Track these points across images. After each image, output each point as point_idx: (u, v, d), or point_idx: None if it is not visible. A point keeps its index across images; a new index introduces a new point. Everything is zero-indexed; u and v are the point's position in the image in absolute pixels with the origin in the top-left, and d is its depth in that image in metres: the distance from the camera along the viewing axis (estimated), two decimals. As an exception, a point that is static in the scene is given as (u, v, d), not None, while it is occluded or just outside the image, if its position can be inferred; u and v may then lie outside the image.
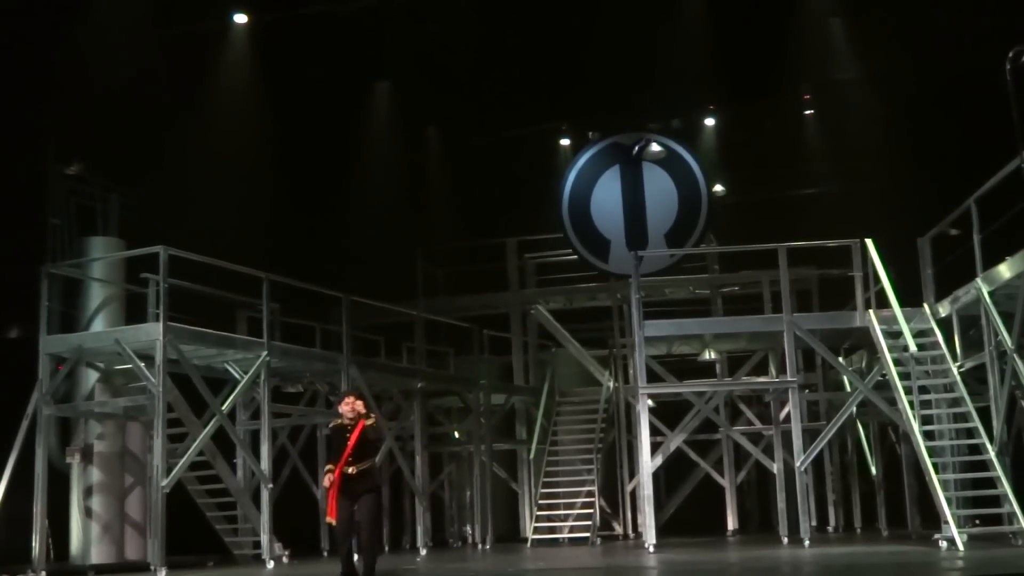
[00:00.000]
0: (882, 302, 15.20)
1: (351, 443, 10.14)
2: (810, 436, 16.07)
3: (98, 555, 14.95)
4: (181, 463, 13.83)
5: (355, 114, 22.59)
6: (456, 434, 21.56)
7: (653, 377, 15.84)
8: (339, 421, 10.38)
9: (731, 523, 19.90)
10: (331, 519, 10.17)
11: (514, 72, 20.97)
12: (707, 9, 21.07)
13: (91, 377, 15.22)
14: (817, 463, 18.20)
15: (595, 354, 21.21)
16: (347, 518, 10.11)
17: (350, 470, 10.12)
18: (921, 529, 16.12)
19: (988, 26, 15.76)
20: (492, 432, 20.20)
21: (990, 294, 13.23)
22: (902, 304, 14.96)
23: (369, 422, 10.33)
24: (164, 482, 13.32)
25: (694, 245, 20.45)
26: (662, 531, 16.48)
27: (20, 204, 15.01)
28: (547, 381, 20.79)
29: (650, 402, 15.77)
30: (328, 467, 10.28)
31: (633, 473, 19.13)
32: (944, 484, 13.14)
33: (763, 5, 20.53)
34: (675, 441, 17.22)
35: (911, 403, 13.86)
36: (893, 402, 14.44)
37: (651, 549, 14.67)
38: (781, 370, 16.57)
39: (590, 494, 19.07)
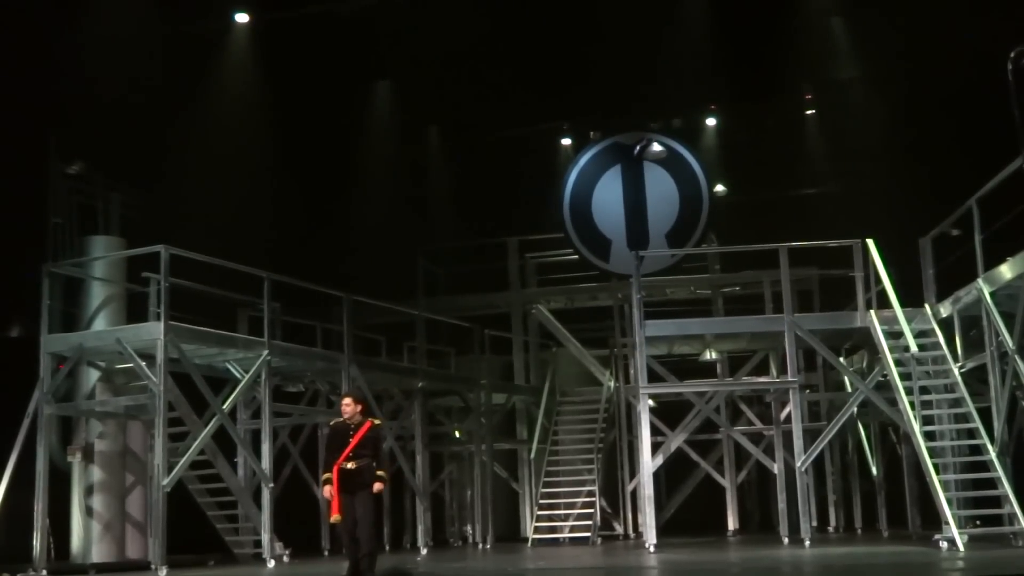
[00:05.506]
0: (883, 302, 15.19)
1: (354, 440, 10.27)
2: (811, 436, 16.06)
3: (99, 554, 14.96)
4: (182, 462, 13.84)
5: (356, 113, 22.58)
6: (457, 433, 21.54)
7: (654, 377, 15.82)
8: (340, 419, 10.51)
9: (732, 523, 19.90)
10: (335, 516, 10.24)
11: (515, 71, 20.94)
12: (708, 9, 21.06)
13: (92, 376, 15.22)
14: (818, 463, 18.17)
15: (596, 354, 21.18)
16: (351, 515, 10.21)
17: (349, 465, 10.23)
18: (921, 530, 16.11)
19: (990, 26, 15.74)
20: (493, 432, 20.19)
21: (991, 294, 13.22)
22: (903, 304, 14.96)
23: (377, 422, 10.52)
24: (165, 481, 13.33)
25: (695, 245, 20.45)
26: (662, 531, 16.48)
27: (21, 203, 15.01)
28: (548, 381, 20.78)
29: (651, 402, 15.78)
30: (326, 476, 10.38)
31: (634, 473, 19.11)
32: (945, 485, 13.13)
33: (764, 5, 20.50)
34: (676, 441, 17.21)
35: (912, 403, 13.85)
36: (894, 402, 14.44)
37: (652, 549, 14.68)
38: (782, 370, 16.57)
39: (591, 494, 19.06)
